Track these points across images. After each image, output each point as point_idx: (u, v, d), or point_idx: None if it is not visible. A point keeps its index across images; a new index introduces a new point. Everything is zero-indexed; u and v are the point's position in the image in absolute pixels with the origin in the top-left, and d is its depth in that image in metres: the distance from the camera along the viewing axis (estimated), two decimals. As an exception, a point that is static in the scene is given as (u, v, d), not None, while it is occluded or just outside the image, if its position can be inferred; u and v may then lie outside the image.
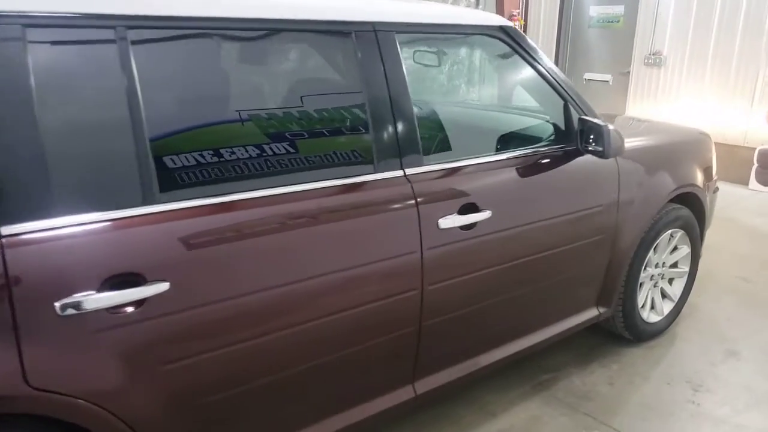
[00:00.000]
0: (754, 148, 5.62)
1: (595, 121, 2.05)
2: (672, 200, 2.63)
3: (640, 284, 2.65)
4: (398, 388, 1.85)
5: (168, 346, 1.34)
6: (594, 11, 6.89)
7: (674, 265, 2.83)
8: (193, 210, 1.35)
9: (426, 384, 1.91)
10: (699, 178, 2.75)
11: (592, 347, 2.73)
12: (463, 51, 2.24)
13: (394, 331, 1.76)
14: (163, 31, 1.36)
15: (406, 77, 1.73)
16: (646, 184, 2.44)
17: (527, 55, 2.06)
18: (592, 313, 2.46)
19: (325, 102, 1.65)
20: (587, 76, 7.06)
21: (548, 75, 2.12)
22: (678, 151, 2.67)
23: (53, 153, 1.19)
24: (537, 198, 2.04)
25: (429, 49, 2.34)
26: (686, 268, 2.86)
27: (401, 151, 1.70)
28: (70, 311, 1.19)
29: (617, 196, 2.31)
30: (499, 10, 7.18)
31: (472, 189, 1.85)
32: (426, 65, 2.53)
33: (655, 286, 2.76)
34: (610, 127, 2.04)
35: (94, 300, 1.22)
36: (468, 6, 6.77)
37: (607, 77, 6.84)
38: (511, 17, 7.18)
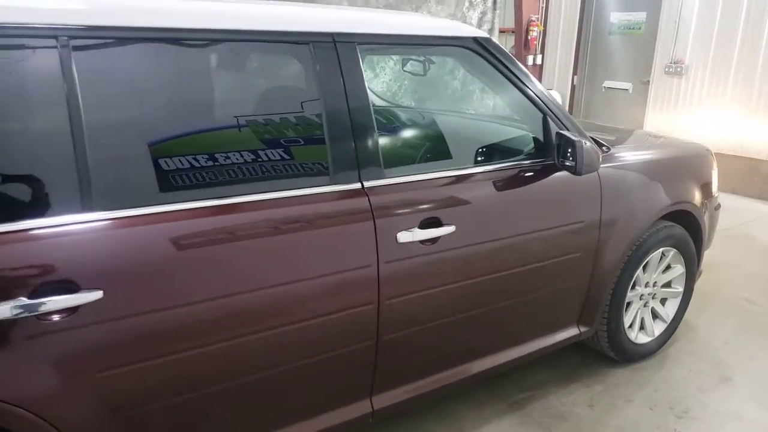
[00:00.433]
0: (777, 163, 5.42)
1: (569, 135, 1.98)
2: (666, 217, 2.55)
3: (628, 303, 2.57)
4: (354, 403, 1.83)
5: (102, 354, 1.34)
6: (615, 18, 6.74)
7: (668, 284, 2.74)
8: (130, 219, 1.35)
9: (384, 399, 1.88)
10: (695, 195, 2.65)
11: (576, 366, 2.65)
12: (436, 63, 2.19)
13: (349, 344, 1.73)
14: (109, 41, 1.36)
15: (367, 89, 1.70)
16: (633, 200, 2.36)
17: (503, 68, 2.01)
18: (572, 331, 2.39)
19: (279, 113, 1.63)
20: (607, 84, 6.91)
21: (526, 88, 2.06)
22: (672, 167, 2.58)
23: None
24: (507, 214, 1.99)
25: (401, 60, 2.30)
26: (680, 288, 2.76)
27: (360, 164, 1.67)
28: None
29: (599, 213, 2.23)
30: (518, 16, 7.09)
31: (435, 203, 1.81)
32: (411, 74, 2.50)
33: (645, 306, 2.67)
34: (585, 142, 1.97)
35: (24, 307, 1.23)
36: (483, 12, 6.70)
37: (627, 86, 6.69)
38: (529, 22, 7.09)
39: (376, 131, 1.71)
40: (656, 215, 2.44)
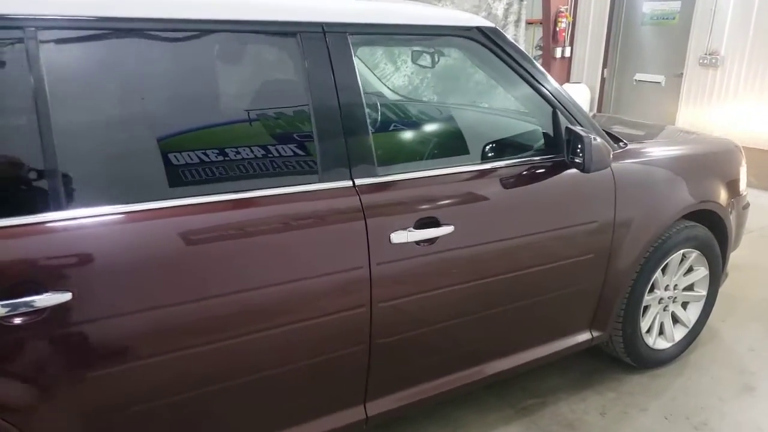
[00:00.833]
0: (818, 159, 5.14)
1: (578, 130, 1.88)
2: (689, 217, 2.41)
3: (646, 307, 2.44)
4: (347, 409, 1.77)
5: (69, 357, 1.31)
6: (647, 7, 6.49)
7: (690, 287, 2.60)
8: (101, 219, 1.31)
9: (379, 405, 1.81)
10: (721, 193, 2.50)
11: (589, 372, 2.54)
12: (436, 53, 2.10)
13: (340, 348, 1.67)
14: (84, 32, 1.32)
15: (360, 81, 1.63)
16: (650, 199, 2.23)
17: (510, 59, 1.91)
18: (583, 336, 2.28)
19: (266, 107, 1.58)
20: (638, 77, 6.67)
21: (534, 80, 1.96)
22: (695, 164, 2.43)
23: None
24: (512, 213, 1.90)
25: (398, 51, 2.21)
26: (703, 292, 2.62)
27: (351, 161, 1.61)
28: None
29: (613, 213, 2.12)
30: (546, 6, 6.90)
31: (432, 202, 1.73)
32: (420, 66, 2.42)
33: (664, 310, 2.54)
34: (595, 138, 1.86)
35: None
36: (510, 2, 6.53)
37: (660, 78, 6.44)
38: (558, 14, 6.89)
39: (369, 127, 1.64)
40: (677, 215, 2.31)
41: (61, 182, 1.26)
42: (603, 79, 6.98)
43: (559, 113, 1.99)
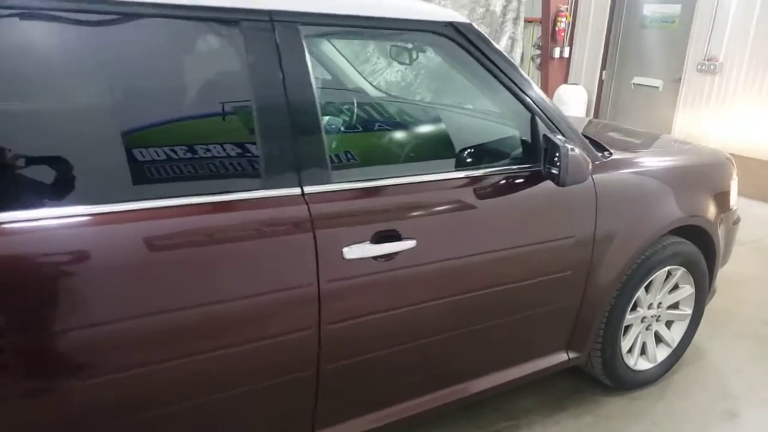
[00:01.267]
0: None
1: (556, 139, 1.74)
2: (675, 232, 2.28)
3: (627, 326, 2.32)
4: None
5: None
6: (648, 10, 6.34)
7: (675, 306, 2.47)
8: (25, 224, 1.17)
9: (329, 435, 1.68)
10: (709, 208, 2.37)
11: (567, 393, 2.41)
12: (404, 50, 1.96)
13: (282, 375, 1.53)
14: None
15: (312, 78, 1.48)
16: (634, 214, 2.10)
17: (486, 60, 1.76)
18: (559, 358, 2.15)
19: (201, 104, 1.43)
20: (636, 80, 6.52)
21: (513, 83, 1.81)
22: (683, 177, 2.30)
23: None
24: (482, 227, 1.76)
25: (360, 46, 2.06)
26: (688, 310, 2.49)
27: (300, 166, 1.46)
28: None
29: (593, 227, 1.99)
30: (545, 5, 6.75)
31: (393, 214, 1.59)
32: (398, 63, 2.28)
33: (647, 329, 2.41)
34: (572, 149, 1.72)
35: None
36: (508, 0, 6.37)
37: (657, 83, 6.30)
38: (557, 13, 6.74)
39: (323, 129, 1.50)
40: (662, 230, 2.18)
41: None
42: (601, 81, 6.84)
43: (537, 120, 1.85)
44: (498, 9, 6.67)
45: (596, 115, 6.88)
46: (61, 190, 1.23)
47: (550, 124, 1.88)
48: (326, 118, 1.79)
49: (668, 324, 2.50)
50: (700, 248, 2.39)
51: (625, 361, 2.33)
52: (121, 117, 1.35)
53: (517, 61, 6.51)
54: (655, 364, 2.46)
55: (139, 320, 1.28)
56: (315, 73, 1.51)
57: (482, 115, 2.11)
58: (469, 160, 1.85)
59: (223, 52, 1.46)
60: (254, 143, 1.41)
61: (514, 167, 1.84)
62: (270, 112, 1.42)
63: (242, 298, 1.40)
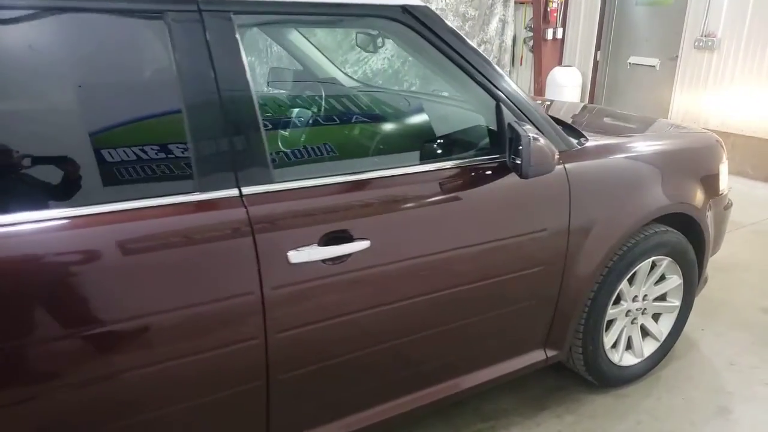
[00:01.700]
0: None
1: (519, 128, 1.62)
2: (659, 220, 2.16)
3: (611, 321, 2.21)
4: None
5: None
6: (643, -14, 6.16)
7: (662, 297, 2.36)
8: None
9: (285, 447, 1.59)
10: (696, 194, 2.24)
11: (549, 390, 2.31)
12: (355, 37, 1.83)
13: (230, 387, 1.44)
14: None
15: (247, 71, 1.36)
16: (612, 203, 1.98)
17: (444, 45, 1.64)
18: (537, 356, 2.04)
19: (122, 104, 1.33)
20: (632, 60, 6.35)
21: (474, 69, 1.69)
22: (667, 162, 2.17)
23: None
24: (443, 224, 1.65)
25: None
26: (677, 302, 2.37)
27: (237, 165, 1.35)
28: None
29: (567, 219, 1.87)
30: (537, -15, 6.56)
31: (342, 213, 1.48)
32: (363, 50, 2.15)
33: (632, 323, 2.30)
34: (535, 138, 1.60)
35: None
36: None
37: (654, 62, 6.12)
38: (550, -8, 6.56)
39: (261, 126, 1.39)
40: (643, 220, 2.06)
41: None
42: (596, 62, 6.67)
43: (503, 107, 1.73)
44: (488, -10, 6.50)
45: (592, 97, 6.72)
46: None
47: (517, 111, 1.76)
48: (270, 113, 1.68)
49: (655, 317, 2.39)
50: (687, 236, 2.27)
51: (609, 357, 2.22)
52: (35, 119, 1.25)
53: (508, 43, 6.34)
54: (642, 358, 2.35)
55: (61, 335, 1.19)
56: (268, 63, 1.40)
57: (446, 104, 1.99)
58: (430, 152, 1.75)
59: (148, 46, 1.35)
60: (185, 143, 1.31)
61: (479, 159, 1.73)
62: (201, 110, 1.32)
63: (176, 308, 1.31)
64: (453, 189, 1.66)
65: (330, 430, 1.65)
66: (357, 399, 1.70)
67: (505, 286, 1.81)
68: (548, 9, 6.55)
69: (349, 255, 1.48)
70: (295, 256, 1.40)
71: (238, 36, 1.35)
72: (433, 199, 1.63)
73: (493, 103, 1.74)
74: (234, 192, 1.35)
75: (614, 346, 2.26)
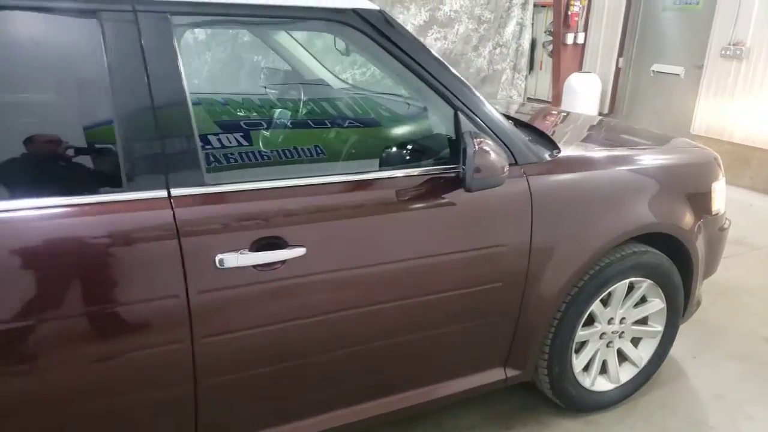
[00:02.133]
0: None
1: (467, 139, 1.54)
2: (640, 240, 2.04)
3: (583, 343, 2.09)
4: None
5: None
6: (671, -9, 5.93)
7: (643, 321, 2.23)
8: None
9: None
10: (681, 214, 2.11)
11: (516, 410, 2.20)
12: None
13: (155, 390, 1.41)
14: None
15: (183, 72, 1.34)
16: (581, 220, 1.87)
17: (399, 51, 1.57)
18: (496, 375, 1.95)
19: (50, 100, 1.32)
20: (656, 67, 6.13)
21: (430, 75, 1.61)
22: (647, 178, 2.04)
23: None
24: (390, 235, 1.58)
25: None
26: (659, 327, 2.24)
27: (167, 166, 1.32)
28: None
29: (528, 235, 1.77)
30: (560, -12, 6.39)
31: (277, 219, 1.43)
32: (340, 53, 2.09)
33: (608, 347, 2.17)
34: (486, 149, 1.51)
35: None
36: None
37: (679, 70, 5.89)
38: (573, -4, 6.37)
39: (194, 127, 1.35)
40: (618, 239, 1.94)
41: None
42: (618, 69, 6.46)
43: (461, 116, 1.65)
44: (506, -8, 6.34)
45: (612, 105, 6.51)
46: None
47: (478, 120, 1.68)
48: (208, 115, 1.64)
49: (635, 341, 2.26)
50: (674, 258, 2.14)
51: (579, 381, 2.11)
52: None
53: (525, 47, 6.18)
54: (618, 384, 2.22)
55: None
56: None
57: (397, 111, 1.91)
58: (385, 160, 1.67)
59: (80, 47, 1.31)
60: (114, 143, 1.28)
61: (435, 169, 1.64)
62: (132, 110, 1.29)
63: (98, 308, 1.29)
64: (402, 199, 1.59)
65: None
66: (293, 408, 1.64)
67: (457, 302, 1.72)
68: (569, 12, 6.37)
69: (284, 262, 1.43)
70: (224, 260, 1.36)
71: (173, 36, 1.32)
72: (380, 208, 1.56)
73: (450, 111, 1.66)
74: (162, 193, 1.32)
75: (586, 369, 2.15)
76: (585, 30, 6.52)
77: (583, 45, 6.58)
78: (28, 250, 1.21)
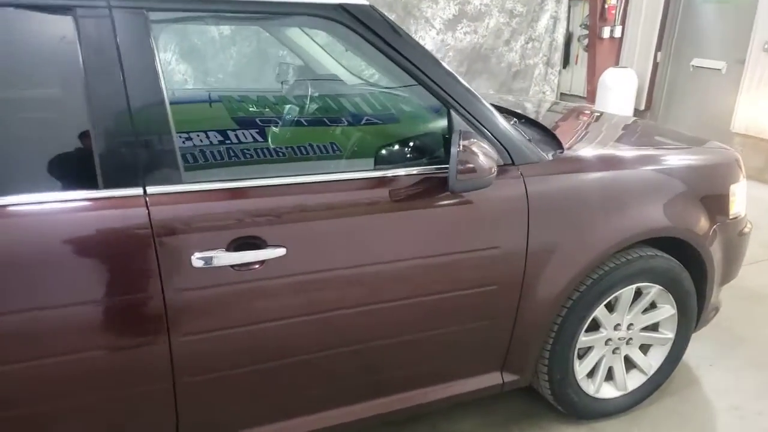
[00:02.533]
0: None
1: (455, 138, 1.50)
2: (650, 244, 1.97)
3: (587, 348, 2.03)
4: None
5: None
6: (713, -17, 5.68)
7: (653, 327, 2.15)
8: None
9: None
10: (695, 217, 2.02)
11: (515, 416, 2.16)
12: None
13: (133, 387, 1.42)
14: None
15: (160, 69, 1.34)
16: (583, 222, 1.81)
17: (388, 47, 1.54)
18: (492, 379, 1.91)
19: (24, 96, 1.34)
20: (695, 62, 5.88)
21: (423, 74, 1.58)
22: (657, 180, 1.96)
23: None
24: (376, 235, 1.56)
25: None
26: (670, 334, 2.16)
27: (142, 164, 1.33)
28: None
29: (525, 237, 1.73)
30: (596, -20, 6.20)
31: (256, 218, 1.43)
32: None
33: (614, 353, 2.10)
34: (471, 147, 1.48)
35: None
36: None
37: (720, 65, 5.64)
38: (610, -12, 6.18)
39: (172, 125, 1.36)
40: (620, 243, 1.87)
41: None
42: (656, 64, 6.23)
43: (453, 113, 1.61)
44: (537, -14, 6.20)
45: (649, 102, 6.28)
46: None
47: (472, 118, 1.64)
48: (188, 114, 1.65)
49: (644, 348, 2.18)
50: (687, 263, 2.06)
51: (582, 387, 2.05)
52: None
53: (560, 41, 6.03)
54: (625, 392, 2.15)
55: None
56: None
57: (388, 109, 1.88)
58: (375, 160, 1.65)
59: (55, 44, 1.33)
60: (89, 140, 1.30)
61: (424, 169, 1.61)
62: (107, 108, 1.30)
63: (73, 305, 1.30)
64: (390, 199, 1.56)
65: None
66: (277, 408, 1.64)
67: (447, 305, 1.69)
68: (606, 5, 6.17)
69: (263, 262, 1.43)
70: (200, 260, 1.36)
71: (150, 33, 1.32)
72: (367, 208, 1.55)
73: (443, 109, 1.63)
74: (138, 191, 1.33)
75: (591, 375, 2.09)
76: (622, 23, 6.31)
77: (620, 39, 6.37)
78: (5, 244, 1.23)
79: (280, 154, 1.66)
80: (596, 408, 2.12)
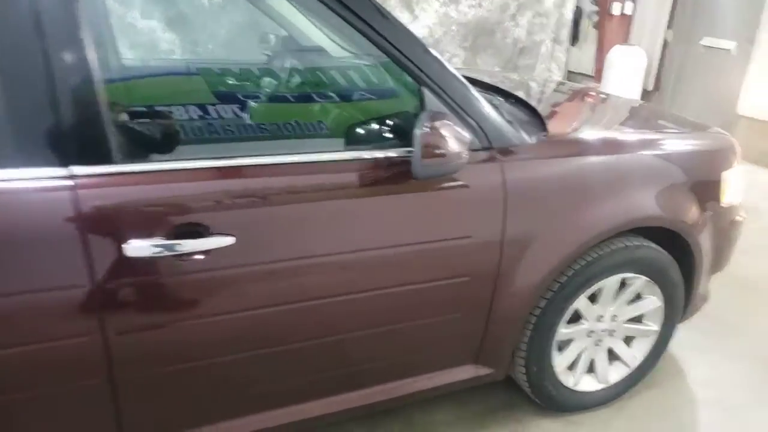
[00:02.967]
0: None
1: (423, 119, 1.39)
2: (636, 232, 1.88)
3: (567, 341, 1.96)
4: None
5: None
6: (728, -42, 5.45)
7: (637, 319, 2.07)
8: None
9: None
10: (684, 205, 1.92)
11: (493, 408, 2.09)
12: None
13: (64, 383, 1.33)
14: None
15: (85, 35, 1.19)
16: (563, 211, 1.72)
17: (350, 14, 1.39)
18: (466, 372, 1.83)
19: None
20: (706, 41, 5.68)
21: (390, 45, 1.45)
22: (644, 165, 1.86)
23: None
24: (338, 224, 1.46)
25: None
26: (655, 326, 2.07)
27: (66, 141, 1.20)
28: None
29: (500, 226, 1.63)
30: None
31: (201, 204, 1.32)
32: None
33: (597, 345, 2.03)
34: (438, 129, 1.37)
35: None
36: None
37: (730, 45, 5.44)
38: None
39: (101, 97, 1.22)
40: (605, 233, 1.77)
41: None
42: (666, 43, 6.03)
43: (426, 91, 1.51)
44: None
45: (657, 82, 6.09)
46: None
47: (446, 97, 1.52)
48: (123, 86, 1.52)
49: (628, 340, 2.10)
50: (675, 252, 1.96)
51: (561, 380, 1.98)
52: None
53: (568, 17, 5.83)
54: (606, 385, 2.08)
55: None
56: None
57: (355, 85, 1.77)
58: (345, 140, 1.56)
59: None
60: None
61: (390, 152, 1.49)
62: (21, 79, 1.16)
63: None
64: (353, 184, 1.47)
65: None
66: (231, 404, 1.56)
67: (416, 296, 1.61)
68: (616, -20, 5.96)
69: (208, 251, 1.32)
70: (134, 249, 1.24)
71: None
72: (325, 194, 1.44)
73: (414, 86, 1.51)
74: (61, 171, 1.20)
75: (571, 367, 2.01)
76: (634, 0, 6.09)
77: (631, 16, 6.15)
78: None
79: (231, 132, 1.56)
80: (575, 401, 2.05)
